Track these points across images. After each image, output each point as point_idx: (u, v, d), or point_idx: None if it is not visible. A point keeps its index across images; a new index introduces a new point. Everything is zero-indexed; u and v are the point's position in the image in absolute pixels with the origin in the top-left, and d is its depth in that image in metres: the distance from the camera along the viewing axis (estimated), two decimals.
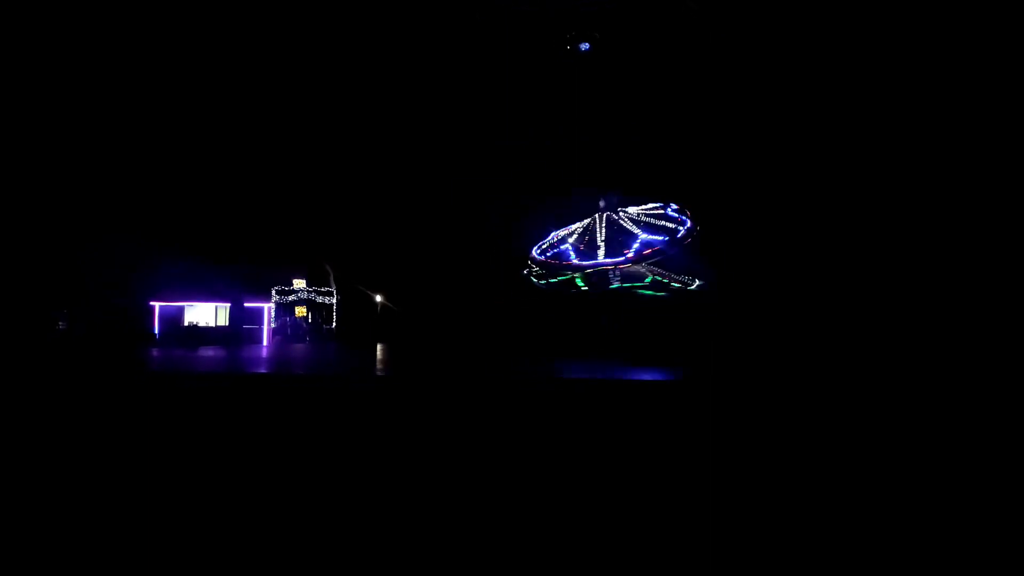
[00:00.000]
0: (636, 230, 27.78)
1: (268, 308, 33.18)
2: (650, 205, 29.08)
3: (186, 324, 30.54)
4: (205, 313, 31.17)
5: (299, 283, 35.93)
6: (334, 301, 36.28)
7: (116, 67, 24.11)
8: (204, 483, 4.58)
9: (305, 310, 36.22)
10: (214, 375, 12.82)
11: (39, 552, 3.23)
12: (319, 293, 36.11)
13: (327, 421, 7.57)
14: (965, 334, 18.11)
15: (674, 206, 28.12)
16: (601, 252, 28.12)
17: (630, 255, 26.56)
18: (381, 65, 24.89)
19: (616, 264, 26.93)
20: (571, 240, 29.99)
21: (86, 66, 23.78)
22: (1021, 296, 18.19)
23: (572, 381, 11.55)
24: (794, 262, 23.00)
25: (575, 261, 28.38)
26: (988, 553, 3.31)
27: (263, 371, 13.73)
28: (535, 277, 30.19)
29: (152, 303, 30.34)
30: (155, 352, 21.78)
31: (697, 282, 25.40)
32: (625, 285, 26.31)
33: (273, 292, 34.35)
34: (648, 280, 26.18)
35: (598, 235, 28.94)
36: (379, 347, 26.45)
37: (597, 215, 29.67)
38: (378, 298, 35.62)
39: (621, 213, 29.40)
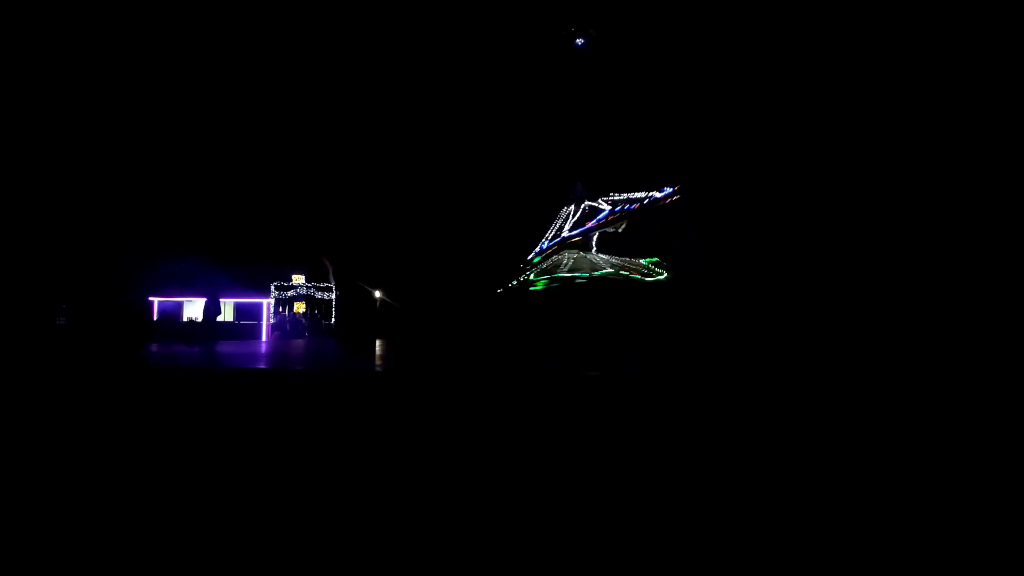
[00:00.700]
0: (612, 205, 27.25)
1: (267, 304, 33.19)
2: (637, 195, 28.39)
3: (185, 320, 30.55)
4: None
5: (298, 279, 35.92)
6: (333, 297, 36.30)
7: (109, 62, 24.05)
8: (198, 477, 4.57)
9: (304, 306, 36.23)
10: (205, 370, 12.82)
11: (38, 547, 3.22)
12: (318, 289, 36.11)
13: (324, 416, 7.56)
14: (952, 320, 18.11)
15: (662, 191, 27.28)
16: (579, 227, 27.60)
17: (611, 218, 26.10)
18: (380, 64, 24.84)
19: (599, 225, 26.53)
20: (555, 231, 29.45)
21: (81, 63, 23.73)
22: (1021, 296, 18.20)
23: (566, 378, 11.55)
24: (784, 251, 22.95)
25: (564, 235, 27.80)
26: (988, 553, 3.31)
27: (255, 367, 13.73)
28: (527, 277, 29.98)
29: (151, 298, 30.34)
30: (153, 347, 21.79)
31: (664, 274, 24.93)
32: (596, 274, 26.04)
33: (272, 288, 34.36)
34: (613, 273, 25.79)
35: (575, 217, 28.42)
36: (378, 343, 26.46)
37: (575, 202, 29.19)
38: (377, 294, 35.61)
39: (601, 200, 28.98)
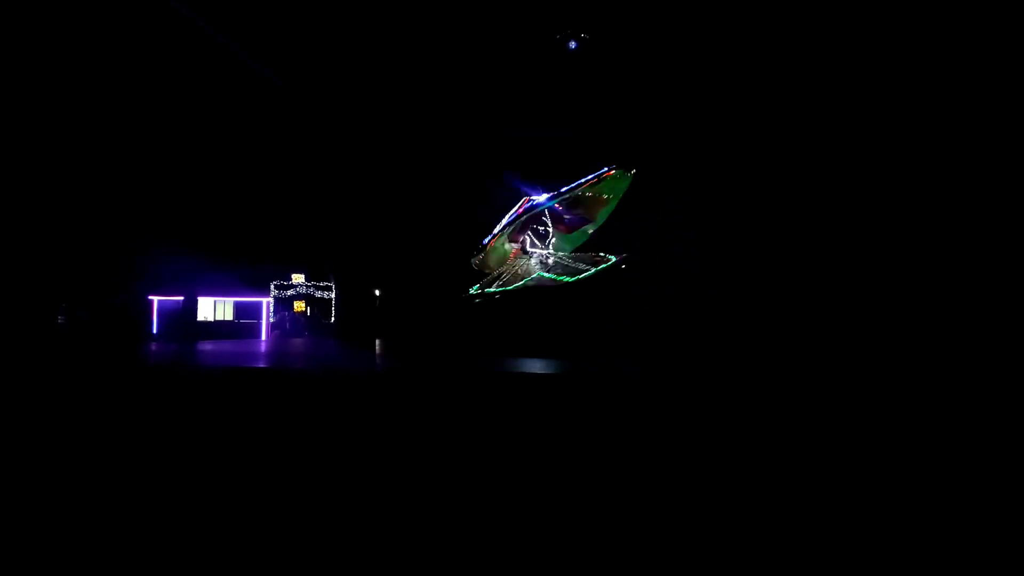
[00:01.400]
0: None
1: (267, 303, 33.17)
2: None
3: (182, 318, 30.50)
4: (204, 308, 31.12)
5: (298, 278, 35.90)
6: (333, 296, 36.25)
7: (109, 62, 24.01)
8: (199, 476, 4.56)
9: (304, 305, 36.21)
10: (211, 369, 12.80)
11: (38, 545, 3.21)
12: (318, 288, 36.07)
13: (323, 415, 7.55)
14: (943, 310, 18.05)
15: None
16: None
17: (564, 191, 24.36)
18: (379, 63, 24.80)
19: (560, 193, 24.82)
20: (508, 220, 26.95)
21: (81, 63, 23.70)
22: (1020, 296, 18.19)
23: (559, 376, 11.54)
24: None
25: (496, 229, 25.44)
26: (988, 553, 3.30)
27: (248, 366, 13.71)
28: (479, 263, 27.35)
29: (151, 297, 30.30)
30: (153, 347, 21.77)
31: (611, 258, 22.55)
32: (546, 276, 24.88)
33: (272, 287, 34.33)
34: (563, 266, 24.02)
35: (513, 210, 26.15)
36: (377, 342, 26.43)
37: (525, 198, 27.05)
38: (377, 292, 35.57)
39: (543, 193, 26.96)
